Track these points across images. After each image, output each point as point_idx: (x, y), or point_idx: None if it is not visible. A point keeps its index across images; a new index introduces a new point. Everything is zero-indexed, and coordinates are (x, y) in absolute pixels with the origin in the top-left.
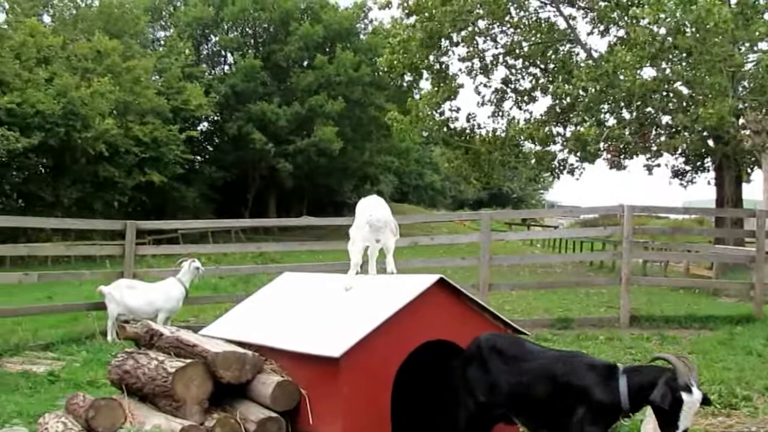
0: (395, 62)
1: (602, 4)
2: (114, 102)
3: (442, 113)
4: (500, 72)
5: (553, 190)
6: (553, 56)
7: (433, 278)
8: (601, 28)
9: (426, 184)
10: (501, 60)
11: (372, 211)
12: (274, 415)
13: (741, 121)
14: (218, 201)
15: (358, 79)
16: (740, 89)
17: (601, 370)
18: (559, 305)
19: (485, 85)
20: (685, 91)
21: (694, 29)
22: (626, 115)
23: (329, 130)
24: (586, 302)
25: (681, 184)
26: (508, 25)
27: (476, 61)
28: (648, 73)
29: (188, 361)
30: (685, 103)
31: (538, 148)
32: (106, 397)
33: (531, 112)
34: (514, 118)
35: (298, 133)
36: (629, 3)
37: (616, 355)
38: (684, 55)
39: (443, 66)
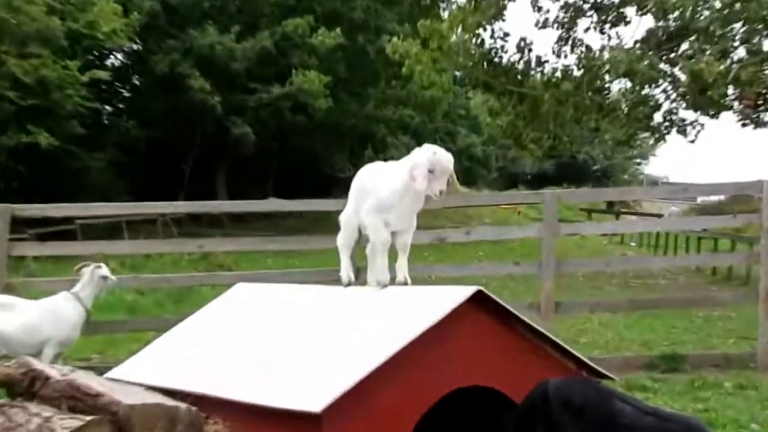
0: None
1: None
2: None
3: (481, 43)
4: None
5: (655, 160)
6: None
7: (466, 292)
8: None
9: (459, 149)
10: None
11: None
12: None
13: None
14: (138, 173)
15: None
16: None
17: None
18: (664, 336)
19: None
20: None
21: None
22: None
23: (315, 78)
24: (705, 331)
25: None
26: None
27: None
28: None
29: (88, 418)
30: None
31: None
32: None
33: (620, 37)
34: (591, 50)
35: (263, 78)
36: None
37: (751, 409)
38: None
39: None
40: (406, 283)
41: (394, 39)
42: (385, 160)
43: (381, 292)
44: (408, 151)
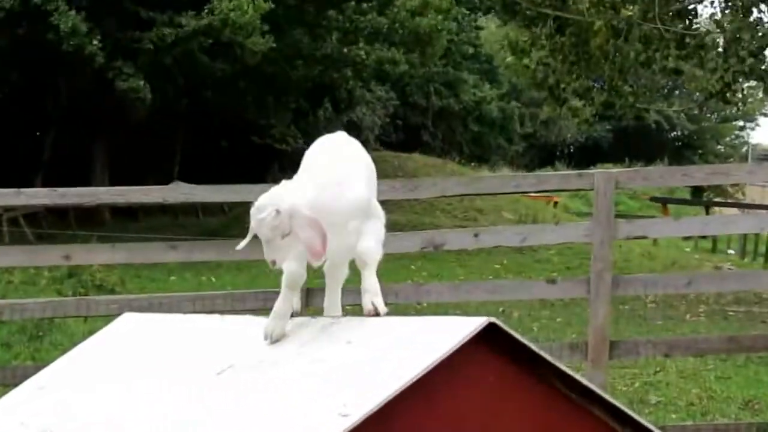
0: None
1: None
2: None
3: None
4: None
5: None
6: None
7: (472, 326)
8: None
9: (465, 106)
10: None
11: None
12: None
13: None
14: None
15: None
16: None
17: None
18: None
19: None
20: None
21: None
22: None
23: (247, 3)
24: None
25: None
26: None
27: None
28: None
29: None
30: None
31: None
32: None
33: None
34: None
35: (167, 3)
36: None
37: None
38: None
39: None
40: (377, 314)
41: None
42: (351, 126)
43: (342, 323)
44: (388, 113)
